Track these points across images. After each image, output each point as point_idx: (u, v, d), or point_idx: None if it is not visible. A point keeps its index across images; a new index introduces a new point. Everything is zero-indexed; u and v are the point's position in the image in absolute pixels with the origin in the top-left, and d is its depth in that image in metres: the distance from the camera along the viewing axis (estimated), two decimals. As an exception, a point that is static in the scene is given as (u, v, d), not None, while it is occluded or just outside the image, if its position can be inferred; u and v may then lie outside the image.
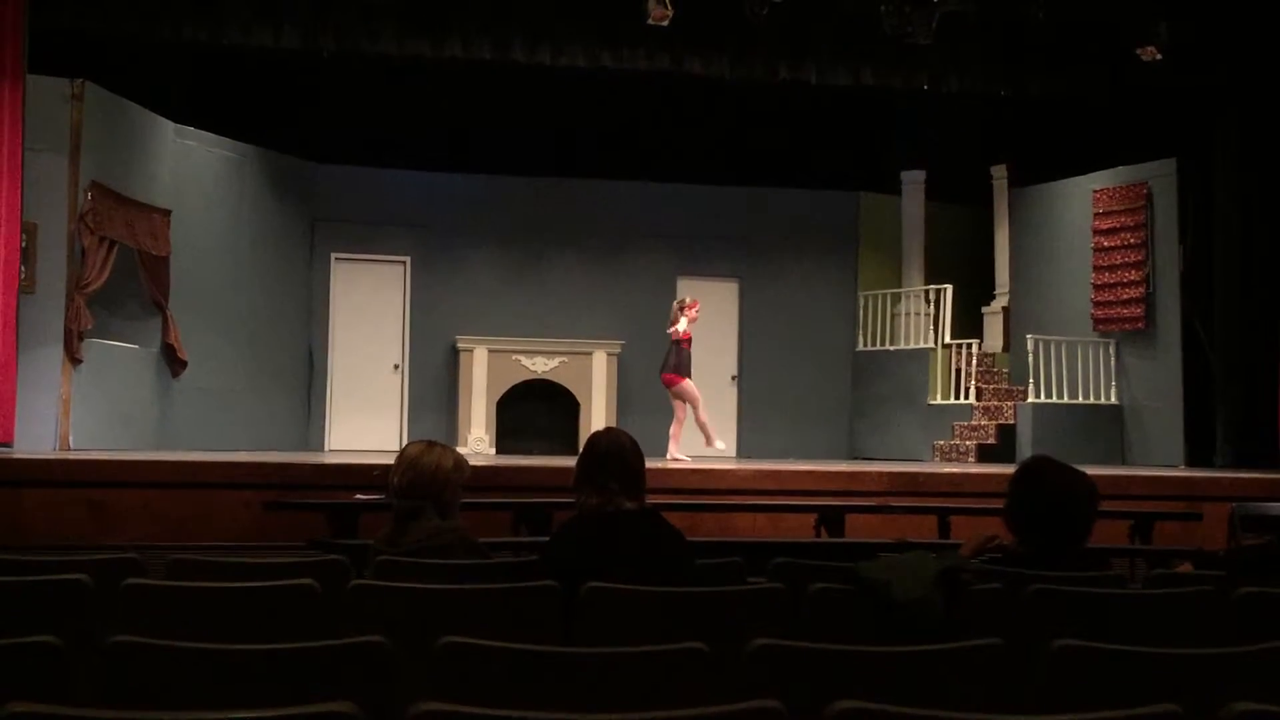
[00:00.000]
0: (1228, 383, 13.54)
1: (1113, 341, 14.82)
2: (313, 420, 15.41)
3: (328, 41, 12.08)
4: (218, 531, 8.89)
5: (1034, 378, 14.63)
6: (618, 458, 4.41)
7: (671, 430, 13.07)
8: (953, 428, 15.18)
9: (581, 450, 4.53)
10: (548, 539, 4.45)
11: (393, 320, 15.80)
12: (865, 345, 16.66)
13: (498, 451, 15.16)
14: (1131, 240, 14.57)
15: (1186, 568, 5.29)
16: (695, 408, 13.09)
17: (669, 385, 13.12)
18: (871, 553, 4.56)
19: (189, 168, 13.64)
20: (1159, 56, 12.36)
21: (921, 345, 15.88)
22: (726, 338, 16.50)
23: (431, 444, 4.91)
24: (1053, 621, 3.74)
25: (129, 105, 12.55)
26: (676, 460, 12.57)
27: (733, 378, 16.64)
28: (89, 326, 11.61)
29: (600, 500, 4.33)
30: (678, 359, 13.10)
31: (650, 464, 4.66)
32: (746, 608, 3.94)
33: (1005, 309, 16.31)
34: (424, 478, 4.71)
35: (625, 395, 15.63)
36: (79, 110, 11.59)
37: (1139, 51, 12.41)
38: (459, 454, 4.90)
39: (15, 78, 10.80)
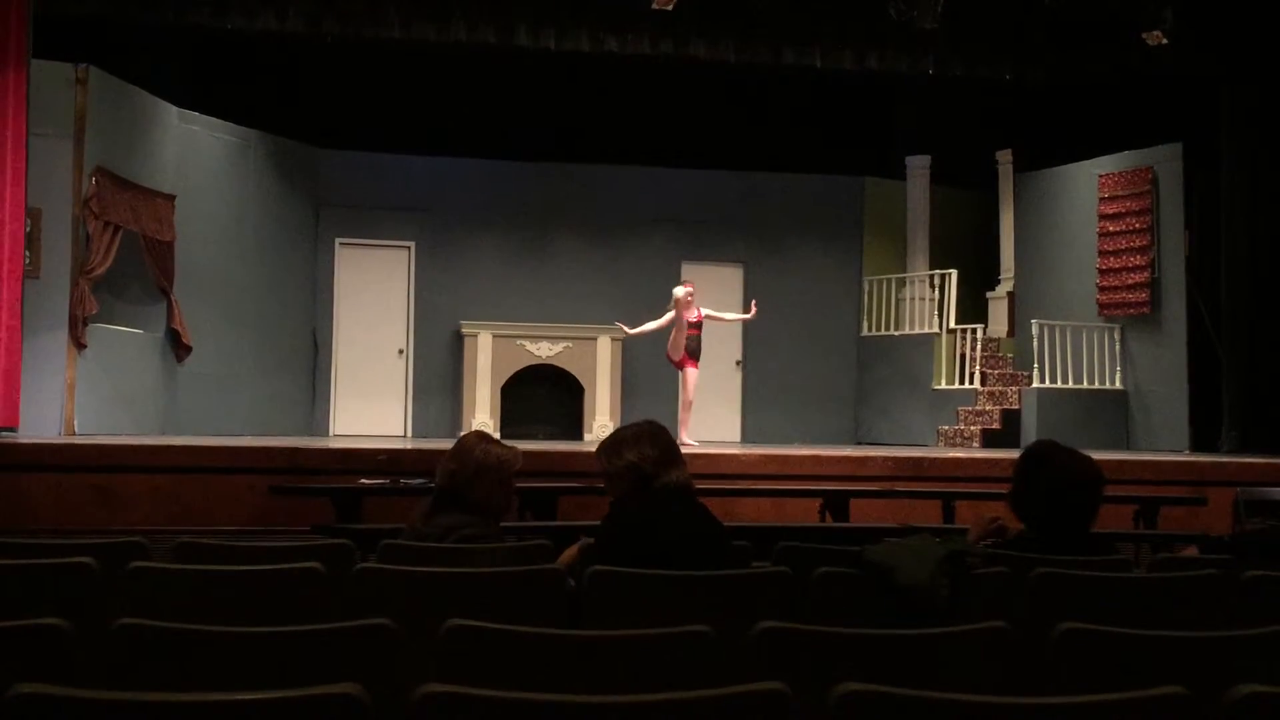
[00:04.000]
0: (1233, 368, 13.53)
1: (1118, 326, 14.81)
2: (317, 405, 15.43)
3: (332, 26, 12.08)
4: (223, 516, 8.91)
5: (1039, 363, 14.62)
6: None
7: (684, 415, 13.08)
8: (957, 413, 15.18)
9: (646, 435, 4.48)
10: (619, 516, 4.41)
11: (397, 305, 15.80)
12: (870, 330, 16.65)
13: (502, 437, 15.11)
14: (1137, 225, 14.55)
15: (1191, 552, 5.29)
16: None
17: (690, 368, 13.10)
18: (876, 537, 4.57)
19: (193, 152, 13.64)
20: (1164, 41, 12.34)
21: (926, 330, 15.87)
22: (732, 323, 16.50)
23: (484, 438, 4.88)
24: (1057, 605, 3.74)
25: (133, 90, 12.55)
26: (686, 445, 12.59)
27: (737, 363, 16.63)
28: (93, 311, 11.62)
29: (681, 476, 4.38)
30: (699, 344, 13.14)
31: None
32: (752, 591, 3.95)
33: (1010, 294, 16.30)
34: (465, 470, 4.70)
35: (630, 380, 15.64)
36: (83, 95, 11.59)
37: (1144, 36, 12.39)
38: (509, 453, 4.81)
39: (20, 63, 10.79)
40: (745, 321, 13.94)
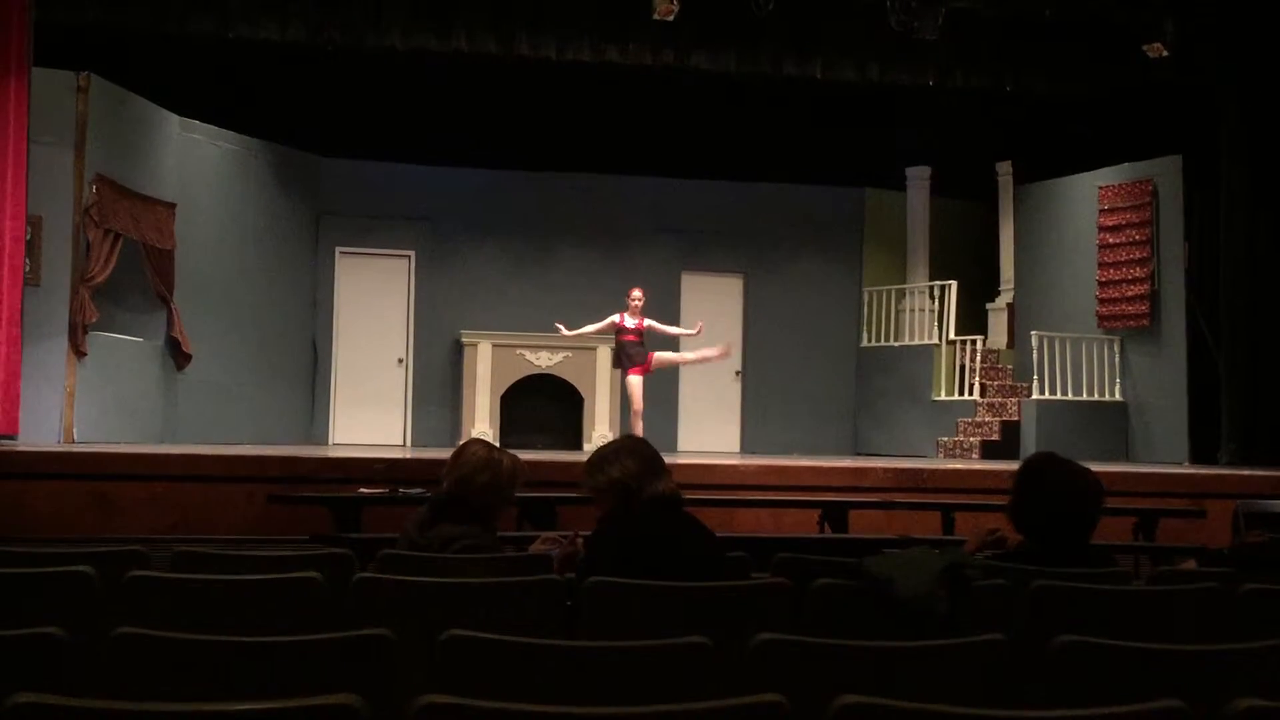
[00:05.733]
0: (1232, 380, 13.53)
1: (1117, 338, 14.81)
2: (317, 414, 15.43)
3: (333, 35, 12.10)
4: (222, 524, 8.90)
5: (1038, 374, 14.63)
6: (661, 457, 4.52)
7: (635, 424, 13.15)
8: (957, 424, 15.18)
9: (628, 449, 4.51)
10: (608, 529, 4.41)
11: (397, 314, 15.81)
12: (870, 341, 16.66)
13: (502, 446, 15.09)
14: (1136, 237, 14.56)
15: (1190, 565, 5.29)
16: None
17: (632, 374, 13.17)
18: (875, 549, 4.56)
19: (194, 161, 13.65)
20: (1165, 53, 12.36)
21: (926, 341, 15.88)
22: (731, 333, 16.48)
23: (490, 448, 4.88)
24: (1056, 618, 3.73)
25: (134, 98, 12.56)
26: None
27: (737, 373, 16.63)
28: (94, 319, 11.62)
29: (666, 487, 4.38)
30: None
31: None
32: (750, 602, 3.94)
33: (1010, 305, 16.31)
34: (475, 478, 4.69)
35: (628, 390, 15.62)
36: (84, 103, 11.61)
37: (1145, 48, 12.41)
38: (515, 463, 4.82)
39: (21, 70, 10.81)
40: (689, 336, 13.69)
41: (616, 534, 4.31)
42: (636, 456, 4.45)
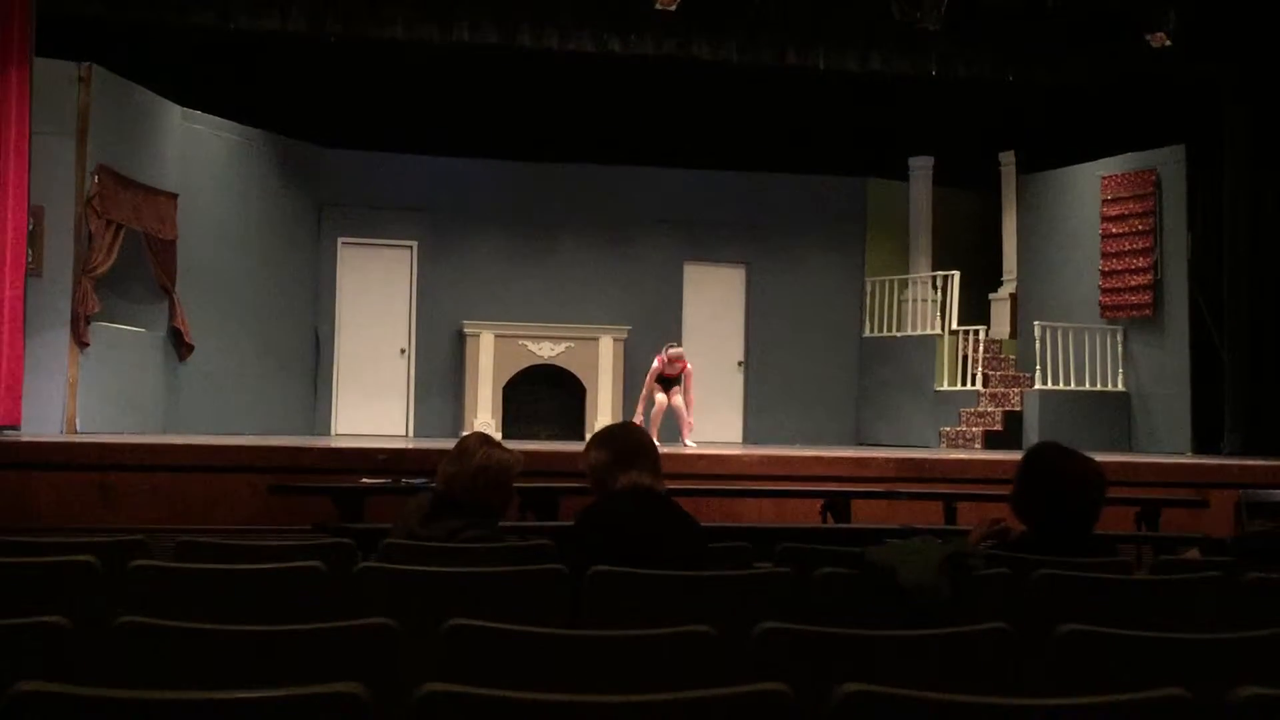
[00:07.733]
0: (1235, 370, 13.53)
1: (1120, 328, 14.80)
2: (319, 404, 15.43)
3: (334, 25, 12.10)
4: (224, 514, 8.92)
5: (1041, 364, 14.62)
6: (649, 446, 4.49)
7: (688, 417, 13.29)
8: (959, 414, 15.18)
9: (605, 438, 4.53)
10: (577, 521, 4.43)
11: (399, 305, 15.80)
12: (872, 331, 16.65)
13: (504, 437, 15.13)
14: (1140, 227, 14.54)
15: (1193, 554, 5.29)
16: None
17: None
18: (878, 538, 4.57)
19: (196, 151, 13.65)
20: (1168, 43, 12.35)
21: (928, 332, 15.87)
22: (733, 323, 16.49)
23: (486, 440, 4.87)
24: (1059, 607, 3.73)
25: (136, 89, 12.56)
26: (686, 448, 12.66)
27: (739, 363, 16.63)
28: (96, 310, 11.63)
29: (635, 479, 4.36)
30: None
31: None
32: (753, 592, 3.94)
33: (1012, 295, 16.30)
34: (465, 472, 4.68)
35: (631, 381, 15.63)
36: (86, 94, 11.60)
37: (1148, 38, 12.40)
38: (510, 456, 4.81)
39: (23, 61, 10.80)
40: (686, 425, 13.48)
41: (586, 521, 4.35)
42: (609, 447, 4.46)
